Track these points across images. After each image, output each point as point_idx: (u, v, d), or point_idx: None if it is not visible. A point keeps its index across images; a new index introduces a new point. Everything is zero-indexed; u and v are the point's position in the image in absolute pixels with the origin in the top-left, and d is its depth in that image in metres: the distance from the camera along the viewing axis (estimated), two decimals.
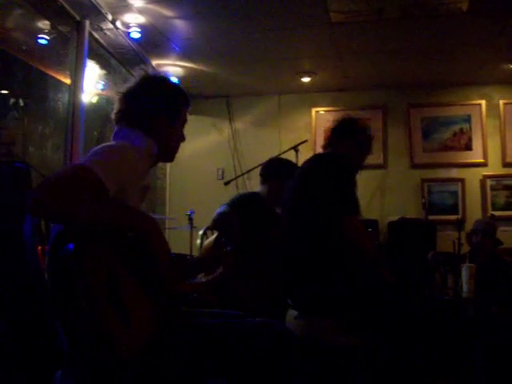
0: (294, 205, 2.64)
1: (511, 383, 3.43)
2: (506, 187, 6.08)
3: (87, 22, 4.56)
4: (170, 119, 1.90)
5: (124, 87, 1.92)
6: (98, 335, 1.38)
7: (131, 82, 1.93)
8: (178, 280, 1.88)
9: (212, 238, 3.09)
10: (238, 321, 1.82)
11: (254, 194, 3.52)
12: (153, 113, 1.87)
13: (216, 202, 3.70)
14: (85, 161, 1.54)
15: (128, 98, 1.90)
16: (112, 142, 1.79)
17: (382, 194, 6.23)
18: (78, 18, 4.51)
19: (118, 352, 1.40)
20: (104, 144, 1.68)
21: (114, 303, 1.42)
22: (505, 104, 6.19)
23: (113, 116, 1.91)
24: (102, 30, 4.76)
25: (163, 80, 1.98)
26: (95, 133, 5.25)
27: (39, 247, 1.91)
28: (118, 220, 1.50)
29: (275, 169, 3.49)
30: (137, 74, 1.94)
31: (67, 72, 4.65)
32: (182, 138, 2.00)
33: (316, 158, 2.85)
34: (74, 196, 1.40)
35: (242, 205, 3.21)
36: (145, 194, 1.82)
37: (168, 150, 1.94)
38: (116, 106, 1.91)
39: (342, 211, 2.49)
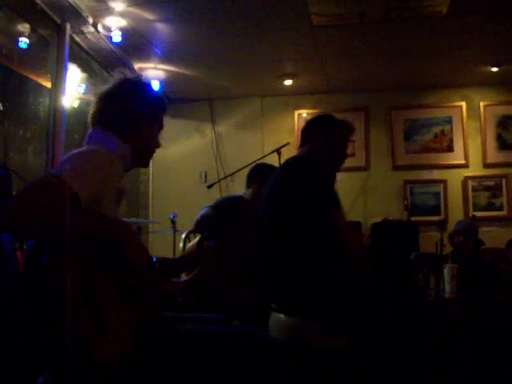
0: (272, 211, 2.62)
1: (495, 381, 3.46)
2: (487, 188, 6.15)
3: (68, 26, 4.53)
4: (147, 123, 1.88)
5: (101, 90, 1.89)
6: (74, 345, 1.36)
7: (108, 84, 1.90)
8: (157, 285, 1.87)
9: (195, 240, 3.08)
10: (222, 329, 1.81)
11: (237, 198, 3.52)
12: (129, 116, 1.84)
13: (199, 205, 3.69)
14: (56, 170, 1.52)
15: (104, 100, 1.86)
16: (84, 148, 1.74)
17: (365, 195, 6.26)
18: (58, 21, 4.48)
19: (95, 361, 1.38)
20: (75, 151, 1.64)
21: (90, 314, 1.40)
22: (485, 106, 6.26)
23: (88, 119, 1.88)
24: (83, 33, 4.73)
25: (141, 83, 1.94)
26: (76, 136, 5.21)
27: (18, 253, 1.89)
28: (94, 230, 1.48)
29: (260, 173, 3.50)
30: (116, 77, 1.91)
31: (48, 75, 4.62)
32: (158, 144, 1.98)
33: (288, 164, 2.79)
34: (46, 209, 1.37)
35: (225, 207, 3.20)
36: (121, 197, 1.78)
37: (143, 154, 1.91)
38: (92, 109, 1.88)
39: (327, 208, 2.47)
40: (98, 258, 1.50)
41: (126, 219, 5.33)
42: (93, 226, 1.48)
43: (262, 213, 2.70)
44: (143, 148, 1.91)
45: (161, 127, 1.98)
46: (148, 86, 1.97)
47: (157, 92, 2.01)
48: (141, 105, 1.87)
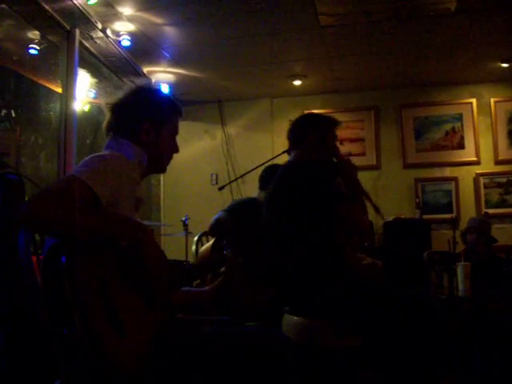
0: (275, 217, 2.63)
1: (509, 380, 3.44)
2: (499, 185, 6.11)
3: (77, 31, 4.56)
4: (154, 128, 1.90)
5: (114, 98, 1.93)
6: (92, 347, 1.38)
7: (121, 93, 1.94)
8: (174, 287, 1.88)
9: (208, 244, 3.08)
10: (235, 329, 1.82)
11: (251, 200, 3.51)
12: (142, 122, 1.87)
13: (211, 207, 3.71)
14: (76, 172, 1.54)
15: (117, 108, 1.91)
16: (102, 152, 1.79)
17: (376, 194, 6.23)
18: (67, 27, 4.51)
19: (113, 363, 1.40)
20: (94, 154, 1.68)
21: (107, 314, 1.42)
22: (495, 102, 6.23)
23: (104, 128, 1.91)
24: (92, 38, 4.76)
25: (152, 90, 1.99)
26: (88, 141, 5.25)
27: (34, 258, 1.91)
28: (111, 230, 1.50)
29: (273, 175, 3.49)
30: (128, 84, 1.94)
31: (59, 81, 4.65)
32: (175, 149, 1.99)
33: (285, 170, 2.78)
34: (66, 208, 1.40)
35: (239, 211, 3.20)
36: (139, 205, 1.82)
37: (157, 159, 1.93)
38: (106, 117, 1.92)
39: (328, 206, 2.48)
40: (117, 259, 1.52)
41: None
42: (111, 226, 1.50)
43: (265, 219, 2.70)
44: (159, 153, 1.93)
45: (176, 132, 1.99)
46: (159, 91, 2.00)
47: (169, 97, 2.03)
48: (153, 111, 1.91)
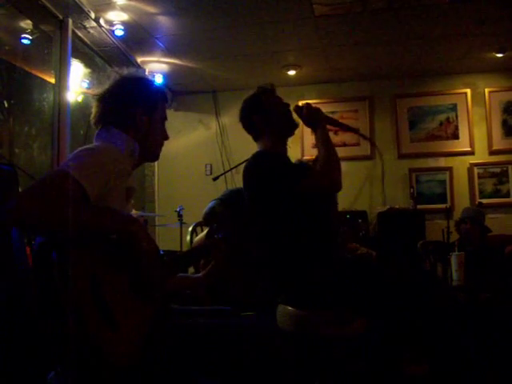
0: (253, 209, 2.61)
1: (503, 370, 3.47)
2: (493, 175, 6.13)
3: (70, 21, 4.53)
4: (146, 115, 1.88)
5: (99, 89, 1.91)
6: (85, 342, 1.37)
7: (106, 83, 1.92)
8: (167, 278, 1.88)
9: (202, 233, 3.08)
10: (230, 320, 1.82)
11: (242, 189, 3.52)
12: (129, 110, 1.85)
13: (205, 197, 3.70)
14: (65, 165, 1.52)
15: (106, 98, 1.88)
16: (92, 144, 1.76)
17: (371, 184, 6.26)
18: (60, 16, 4.48)
19: (107, 357, 1.39)
20: (84, 147, 1.66)
21: (99, 308, 1.41)
22: (490, 92, 6.23)
23: (91, 120, 1.90)
24: (85, 28, 4.74)
25: (137, 77, 1.96)
26: (81, 131, 5.22)
27: (27, 248, 1.90)
28: (101, 224, 1.48)
29: None
30: (112, 75, 1.93)
31: (52, 71, 4.63)
32: (165, 136, 1.98)
33: (244, 168, 2.68)
34: (55, 207, 1.38)
35: (232, 199, 3.21)
36: (130, 196, 1.80)
37: (150, 147, 1.91)
38: (93, 109, 1.90)
39: (293, 186, 2.42)
40: (108, 253, 1.51)
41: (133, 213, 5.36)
42: (101, 221, 1.49)
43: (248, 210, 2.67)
44: (152, 141, 1.92)
45: (164, 118, 1.98)
46: (144, 79, 1.98)
47: (155, 84, 2.02)
48: (139, 98, 1.88)
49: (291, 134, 2.73)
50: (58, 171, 1.52)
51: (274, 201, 2.46)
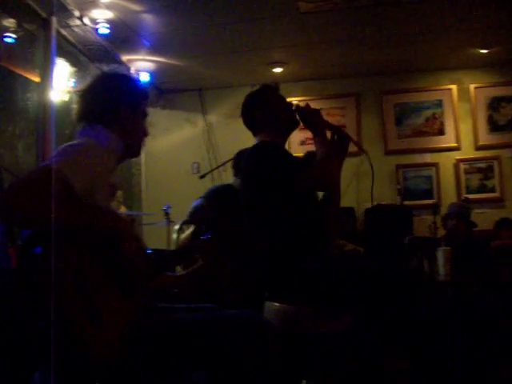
0: (247, 202, 2.62)
1: (490, 363, 3.49)
2: (479, 170, 6.16)
3: (54, 20, 4.50)
4: (130, 112, 1.90)
5: (82, 86, 1.92)
6: (68, 337, 1.37)
7: (89, 80, 1.93)
8: (153, 275, 1.88)
9: (188, 231, 3.08)
10: (216, 314, 1.81)
11: (226, 186, 3.52)
12: (111, 107, 1.87)
13: (192, 196, 3.69)
14: (51, 161, 1.52)
15: (85, 96, 1.91)
16: (76, 141, 1.77)
17: (358, 181, 6.26)
18: (44, 15, 4.44)
19: (88, 350, 1.39)
20: (70, 143, 1.67)
21: (82, 304, 1.41)
22: (475, 88, 6.26)
23: (75, 117, 1.90)
24: (69, 26, 4.71)
25: (118, 75, 2.00)
26: (67, 131, 5.19)
27: (10, 249, 1.89)
28: (87, 220, 1.49)
29: None
30: (94, 72, 1.94)
31: (36, 70, 4.59)
32: (145, 133, 1.99)
33: (245, 159, 2.73)
34: (41, 200, 1.39)
35: (216, 197, 3.21)
36: (113, 192, 1.81)
37: (132, 144, 1.93)
38: (77, 106, 1.91)
39: (292, 179, 2.45)
40: (92, 248, 1.51)
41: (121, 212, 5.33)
42: (86, 216, 1.49)
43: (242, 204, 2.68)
44: (134, 138, 1.94)
45: (145, 115, 1.99)
46: (125, 76, 2.02)
47: (136, 81, 2.03)
48: (121, 95, 1.90)
49: (291, 131, 2.77)
50: (44, 166, 1.53)
51: (270, 192, 2.46)
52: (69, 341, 1.37)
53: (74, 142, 1.74)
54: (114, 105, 1.87)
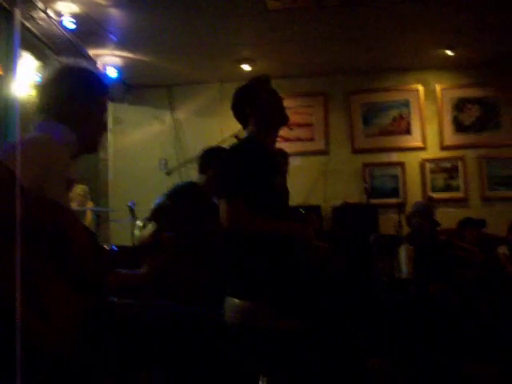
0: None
1: (453, 361, 3.54)
2: (445, 170, 6.25)
3: (17, 11, 4.41)
4: (85, 106, 1.87)
5: (40, 79, 1.89)
6: (16, 334, 1.35)
7: (46, 73, 1.89)
8: (106, 272, 1.85)
9: (149, 228, 3.06)
10: (172, 311, 1.80)
11: (190, 184, 3.51)
12: (68, 100, 1.84)
13: (159, 192, 3.67)
14: None
15: (44, 89, 1.87)
16: (30, 135, 1.75)
17: (325, 179, 6.30)
18: (7, 6, 4.35)
19: (38, 347, 1.37)
20: (20, 138, 1.65)
21: (31, 300, 1.38)
22: (442, 89, 6.35)
23: (33, 109, 1.87)
24: (33, 19, 4.62)
25: (78, 68, 1.94)
26: (31, 126, 5.10)
27: None
28: (35, 214, 1.46)
29: (212, 158, 3.48)
30: (53, 65, 1.90)
31: None
32: (104, 128, 1.97)
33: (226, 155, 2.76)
34: None
35: (178, 195, 3.20)
36: (70, 187, 1.79)
37: (91, 139, 1.91)
38: (35, 99, 1.87)
39: (217, 195, 2.47)
40: (40, 244, 1.48)
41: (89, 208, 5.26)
42: (35, 210, 1.46)
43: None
44: (91, 133, 1.91)
45: (104, 110, 1.97)
46: (83, 69, 1.96)
47: (94, 74, 1.99)
48: (79, 89, 1.87)
49: (281, 126, 2.77)
50: None
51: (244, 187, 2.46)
52: (17, 338, 1.35)
53: (27, 136, 1.72)
54: (69, 99, 1.84)
